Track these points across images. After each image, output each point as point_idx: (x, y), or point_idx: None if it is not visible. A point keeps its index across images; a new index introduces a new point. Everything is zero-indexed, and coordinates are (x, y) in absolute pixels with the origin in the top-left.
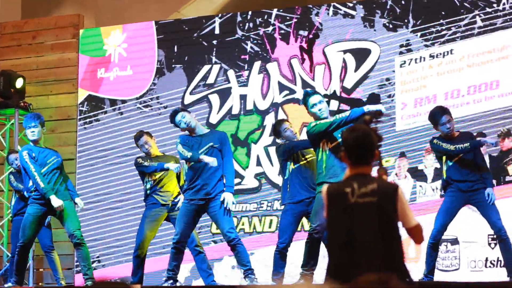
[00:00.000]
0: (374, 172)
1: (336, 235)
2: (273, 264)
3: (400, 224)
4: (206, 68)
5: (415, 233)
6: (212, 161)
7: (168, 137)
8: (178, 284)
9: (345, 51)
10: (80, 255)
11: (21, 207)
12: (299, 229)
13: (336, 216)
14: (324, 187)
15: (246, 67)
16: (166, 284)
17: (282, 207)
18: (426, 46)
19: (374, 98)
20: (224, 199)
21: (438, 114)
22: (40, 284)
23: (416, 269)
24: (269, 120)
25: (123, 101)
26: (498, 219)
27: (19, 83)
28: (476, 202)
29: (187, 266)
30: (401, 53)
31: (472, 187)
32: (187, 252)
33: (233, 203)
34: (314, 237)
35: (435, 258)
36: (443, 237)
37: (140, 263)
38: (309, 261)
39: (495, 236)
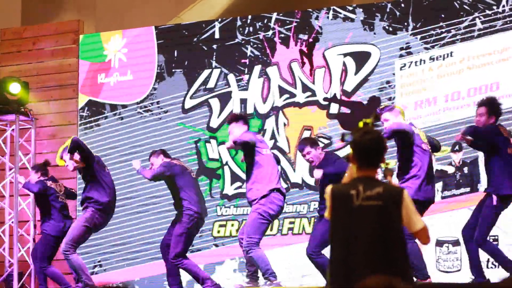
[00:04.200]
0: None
1: (338, 237)
2: None
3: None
4: (206, 72)
5: (421, 236)
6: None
7: (168, 142)
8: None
9: (345, 55)
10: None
11: None
12: None
13: (339, 218)
14: (329, 188)
15: (246, 71)
16: None
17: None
18: (426, 48)
19: (374, 101)
20: None
21: None
22: None
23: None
24: (270, 124)
25: (124, 106)
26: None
27: (14, 88)
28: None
29: None
30: (401, 56)
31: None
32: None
33: None
34: None
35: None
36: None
37: None
38: None
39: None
